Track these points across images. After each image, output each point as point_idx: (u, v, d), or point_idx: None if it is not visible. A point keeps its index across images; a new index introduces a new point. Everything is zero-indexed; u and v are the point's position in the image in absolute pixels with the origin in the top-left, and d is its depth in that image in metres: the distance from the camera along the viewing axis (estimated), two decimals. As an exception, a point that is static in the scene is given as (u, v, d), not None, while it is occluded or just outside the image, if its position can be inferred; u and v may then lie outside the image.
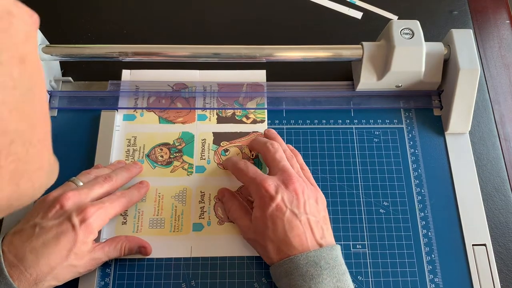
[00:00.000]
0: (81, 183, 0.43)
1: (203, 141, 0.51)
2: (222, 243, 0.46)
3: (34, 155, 0.23)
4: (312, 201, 0.42)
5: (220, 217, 0.48)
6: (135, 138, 0.51)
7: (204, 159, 0.50)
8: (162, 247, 0.46)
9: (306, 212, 0.41)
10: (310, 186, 0.43)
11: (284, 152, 0.46)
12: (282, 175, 0.42)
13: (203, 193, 0.49)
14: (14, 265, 0.37)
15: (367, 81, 0.51)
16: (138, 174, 0.48)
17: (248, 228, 0.43)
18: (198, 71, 0.55)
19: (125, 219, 0.47)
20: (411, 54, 0.49)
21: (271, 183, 0.42)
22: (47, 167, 0.26)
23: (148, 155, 0.50)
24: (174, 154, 0.50)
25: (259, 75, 0.55)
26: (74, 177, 0.44)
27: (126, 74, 0.54)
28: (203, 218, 0.48)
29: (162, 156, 0.50)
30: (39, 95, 0.23)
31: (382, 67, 0.50)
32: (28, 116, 0.22)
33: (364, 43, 0.50)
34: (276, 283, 0.41)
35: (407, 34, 0.48)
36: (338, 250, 0.41)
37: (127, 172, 0.47)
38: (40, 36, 0.49)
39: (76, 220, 0.39)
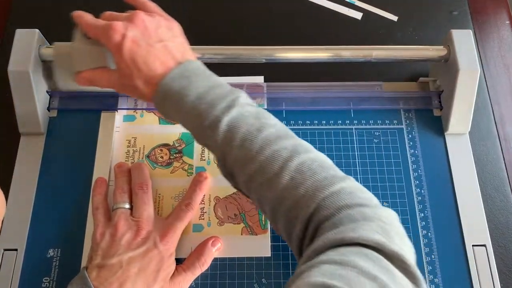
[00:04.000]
0: (127, 205, 0.45)
1: None
2: (222, 243, 0.46)
3: None
4: (164, 29, 0.41)
5: (220, 218, 0.48)
6: (135, 139, 0.51)
7: (204, 160, 0.50)
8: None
9: (161, 39, 0.40)
10: (158, 16, 0.42)
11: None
12: (127, 17, 0.41)
13: (203, 196, 0.49)
14: None
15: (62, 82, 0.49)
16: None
17: (110, 79, 0.43)
18: None
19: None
20: (91, 55, 0.44)
21: (118, 23, 0.40)
22: None
23: (148, 156, 0.50)
24: (174, 155, 0.50)
25: (257, 80, 0.55)
26: (117, 202, 0.45)
27: None
28: (203, 219, 0.48)
29: (162, 157, 0.50)
30: None
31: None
32: None
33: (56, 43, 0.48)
34: (165, 116, 0.41)
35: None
36: (198, 62, 0.41)
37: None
38: (40, 36, 0.49)
39: (160, 245, 0.42)
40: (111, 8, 0.60)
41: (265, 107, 0.53)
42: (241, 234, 0.47)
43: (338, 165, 0.50)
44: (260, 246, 0.47)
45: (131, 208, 0.45)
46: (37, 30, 0.48)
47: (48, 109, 0.52)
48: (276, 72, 0.56)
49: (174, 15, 0.60)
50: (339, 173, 0.36)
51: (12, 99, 0.48)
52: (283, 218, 0.35)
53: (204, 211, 0.48)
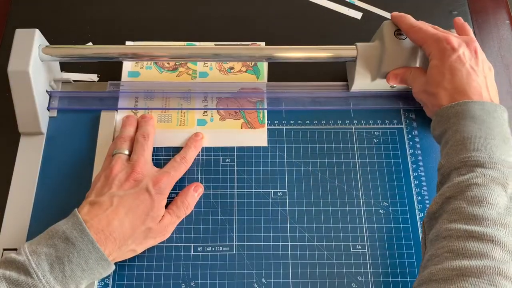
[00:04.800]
0: (126, 151, 0.47)
1: None
2: (224, 135, 0.51)
3: None
4: (486, 66, 0.45)
5: (221, 114, 0.53)
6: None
7: (207, 66, 0.56)
8: (169, 137, 0.51)
9: (484, 72, 0.44)
10: (481, 51, 0.46)
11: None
12: (464, 38, 0.46)
13: (206, 93, 0.53)
14: (99, 231, 0.40)
15: (361, 81, 0.51)
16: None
17: (417, 79, 0.47)
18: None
19: (135, 114, 0.52)
20: (404, 55, 0.49)
21: (454, 38, 0.45)
22: None
23: (155, 62, 0.55)
24: (180, 62, 0.55)
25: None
26: (117, 148, 0.47)
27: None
28: (206, 115, 0.52)
29: (168, 63, 0.56)
30: None
31: (376, 68, 0.50)
32: None
33: (358, 43, 0.50)
34: (436, 127, 0.44)
35: (401, 35, 0.48)
36: (506, 113, 0.43)
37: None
38: (40, 36, 0.49)
39: (152, 190, 0.44)
40: (111, 8, 0.61)
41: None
42: (241, 128, 0.52)
43: (338, 165, 0.51)
44: (258, 137, 0.52)
45: (130, 155, 0.47)
46: (37, 30, 0.48)
47: (48, 109, 0.52)
48: (276, 72, 0.56)
49: (174, 15, 0.61)
50: None
51: (12, 99, 0.48)
52: None
53: (208, 107, 0.53)
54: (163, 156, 0.50)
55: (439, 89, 0.44)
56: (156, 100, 0.53)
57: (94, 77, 0.55)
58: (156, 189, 0.44)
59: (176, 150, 0.50)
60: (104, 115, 0.52)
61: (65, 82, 0.54)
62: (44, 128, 0.51)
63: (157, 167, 0.48)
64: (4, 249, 0.45)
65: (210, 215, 0.48)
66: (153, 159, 0.49)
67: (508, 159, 0.38)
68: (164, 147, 0.51)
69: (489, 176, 0.37)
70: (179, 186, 0.48)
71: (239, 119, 0.52)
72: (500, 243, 0.34)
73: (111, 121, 0.52)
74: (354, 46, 0.50)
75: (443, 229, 0.36)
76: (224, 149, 0.51)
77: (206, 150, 0.51)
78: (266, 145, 0.51)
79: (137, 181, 0.44)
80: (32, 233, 0.46)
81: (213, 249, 0.47)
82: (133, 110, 0.53)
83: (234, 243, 0.47)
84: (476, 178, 0.37)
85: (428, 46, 0.46)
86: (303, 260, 0.46)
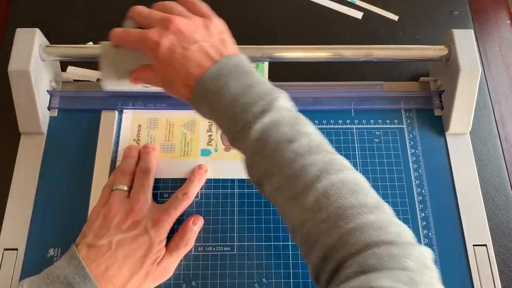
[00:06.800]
0: (125, 187, 0.45)
1: None
2: (228, 166, 0.50)
3: None
4: (200, 30, 0.40)
5: (226, 145, 0.51)
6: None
7: None
8: (172, 168, 0.50)
9: (196, 41, 0.39)
10: (195, 17, 0.41)
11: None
12: (161, 22, 0.40)
13: (210, 123, 0.52)
14: (98, 277, 0.39)
15: (108, 81, 0.47)
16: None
17: (155, 79, 0.42)
18: None
19: (137, 143, 0.51)
20: None
21: (152, 31, 0.39)
22: None
23: None
24: None
25: None
26: (116, 183, 0.45)
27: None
28: (211, 145, 0.51)
29: None
30: None
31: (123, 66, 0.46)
32: None
33: (103, 42, 0.44)
34: (203, 116, 0.40)
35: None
36: (238, 57, 0.39)
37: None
38: (40, 36, 0.49)
39: (151, 231, 0.43)
40: (111, 8, 0.60)
41: None
42: None
43: (339, 164, 0.50)
44: None
45: (129, 191, 0.46)
46: (37, 29, 0.48)
47: (49, 108, 0.52)
48: (277, 71, 0.56)
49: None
50: (371, 200, 0.33)
51: (13, 99, 0.48)
52: (302, 240, 0.34)
53: (212, 138, 0.52)
54: (166, 189, 0.49)
55: (174, 84, 0.40)
56: (160, 129, 0.52)
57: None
58: (156, 229, 0.43)
59: (179, 181, 0.49)
60: (105, 115, 0.52)
61: (66, 82, 0.54)
62: (44, 128, 0.51)
63: (159, 198, 0.48)
64: (5, 249, 0.45)
65: (211, 215, 0.48)
66: (155, 191, 0.48)
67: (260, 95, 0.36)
68: (167, 178, 0.49)
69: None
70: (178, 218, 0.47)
71: None
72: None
73: (112, 121, 0.51)
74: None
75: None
76: (225, 180, 0.49)
77: (207, 182, 0.49)
78: None
79: (136, 222, 0.43)
80: (32, 233, 0.46)
81: (214, 249, 0.46)
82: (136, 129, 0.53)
83: (235, 243, 0.47)
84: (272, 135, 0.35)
85: (140, 50, 0.41)
86: (304, 260, 0.46)
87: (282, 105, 0.37)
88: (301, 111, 0.53)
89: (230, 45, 0.41)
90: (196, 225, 0.46)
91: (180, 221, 0.46)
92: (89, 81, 0.55)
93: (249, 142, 0.36)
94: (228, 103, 0.36)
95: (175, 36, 0.39)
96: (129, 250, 0.41)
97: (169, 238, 0.45)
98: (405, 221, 0.48)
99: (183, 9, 0.42)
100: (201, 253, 0.46)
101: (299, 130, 0.35)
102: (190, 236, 0.46)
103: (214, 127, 0.52)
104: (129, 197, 0.45)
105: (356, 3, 0.62)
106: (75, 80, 0.54)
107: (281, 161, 0.34)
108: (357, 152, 0.51)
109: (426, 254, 0.31)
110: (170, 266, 0.44)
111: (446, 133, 0.52)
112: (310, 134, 0.36)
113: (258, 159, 0.35)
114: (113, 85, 0.46)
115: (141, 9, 0.42)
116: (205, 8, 0.43)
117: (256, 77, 0.38)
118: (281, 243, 0.47)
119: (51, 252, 0.46)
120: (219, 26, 0.42)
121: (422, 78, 0.55)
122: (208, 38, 0.40)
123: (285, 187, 0.34)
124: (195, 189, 0.48)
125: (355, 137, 0.52)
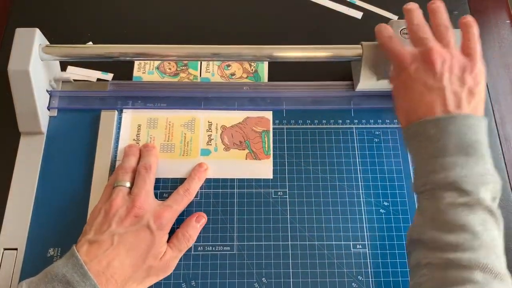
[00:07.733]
0: (128, 184, 0.46)
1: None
2: (228, 166, 0.50)
3: None
4: (456, 71, 0.41)
5: (226, 144, 0.51)
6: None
7: (209, 72, 0.56)
8: (172, 168, 0.50)
9: (442, 82, 0.40)
10: (458, 56, 0.42)
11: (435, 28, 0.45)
12: (422, 46, 0.42)
13: (210, 123, 0.52)
14: (99, 274, 0.39)
15: (366, 81, 0.51)
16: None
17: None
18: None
19: (137, 143, 0.51)
20: None
21: (408, 54, 0.43)
22: None
23: (157, 67, 0.56)
24: (181, 67, 0.56)
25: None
26: (118, 180, 0.46)
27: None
28: (211, 144, 0.51)
29: (170, 69, 0.56)
30: None
31: (382, 67, 0.50)
32: None
33: (363, 43, 0.50)
34: (407, 146, 0.43)
35: (407, 34, 0.48)
36: (474, 119, 0.39)
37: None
38: (40, 36, 0.49)
39: (153, 226, 0.43)
40: (111, 8, 0.61)
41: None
42: (246, 159, 0.50)
43: (339, 164, 0.51)
44: (263, 169, 0.50)
45: (131, 188, 0.46)
46: (37, 29, 0.48)
47: (48, 108, 0.52)
48: (276, 71, 0.56)
49: (175, 15, 0.61)
50: None
51: (12, 99, 0.48)
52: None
53: (211, 138, 0.51)
54: (166, 188, 0.49)
55: (398, 111, 0.44)
56: (159, 128, 0.52)
57: (108, 77, 0.55)
58: (157, 225, 0.43)
59: (179, 181, 0.49)
60: (104, 115, 0.52)
61: (65, 82, 0.54)
62: (44, 127, 0.51)
63: (159, 197, 0.48)
64: (5, 249, 0.45)
65: (211, 215, 0.48)
66: (155, 190, 0.47)
67: (468, 172, 0.37)
68: (167, 178, 0.49)
69: (448, 198, 0.37)
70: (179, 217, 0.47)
71: (244, 149, 0.51)
72: (479, 265, 0.34)
73: (111, 120, 0.51)
74: (360, 46, 0.50)
75: (422, 256, 0.37)
76: (225, 180, 0.49)
77: (207, 181, 0.49)
78: (271, 177, 0.50)
79: (138, 217, 0.43)
80: (32, 233, 0.46)
81: (213, 248, 0.46)
82: (136, 130, 0.53)
83: (235, 243, 0.47)
84: (438, 202, 0.37)
85: (392, 61, 0.45)
86: (303, 260, 0.46)
87: (487, 203, 0.37)
88: (300, 110, 0.54)
89: (475, 101, 0.40)
90: (199, 223, 0.46)
91: (180, 221, 0.46)
92: (89, 81, 0.55)
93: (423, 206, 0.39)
94: (436, 159, 0.38)
95: (425, 67, 0.41)
96: (131, 245, 0.41)
97: (169, 238, 0.45)
98: (405, 220, 0.48)
99: (451, 39, 0.43)
100: (201, 252, 0.46)
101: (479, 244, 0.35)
102: (192, 232, 0.46)
103: (214, 127, 0.52)
104: (130, 193, 0.45)
105: (356, 3, 0.62)
106: (75, 80, 0.54)
107: (441, 256, 0.35)
108: (356, 152, 0.51)
109: None
110: (171, 261, 0.44)
111: (445, 133, 0.52)
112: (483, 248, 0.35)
113: (423, 230, 0.38)
114: (368, 85, 0.51)
115: (417, 16, 0.45)
116: (473, 44, 0.43)
117: (481, 148, 0.38)
118: (281, 243, 0.47)
119: (51, 252, 0.46)
120: (479, 73, 0.41)
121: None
122: (457, 82, 0.40)
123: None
124: (196, 186, 0.48)
125: (355, 137, 0.52)
